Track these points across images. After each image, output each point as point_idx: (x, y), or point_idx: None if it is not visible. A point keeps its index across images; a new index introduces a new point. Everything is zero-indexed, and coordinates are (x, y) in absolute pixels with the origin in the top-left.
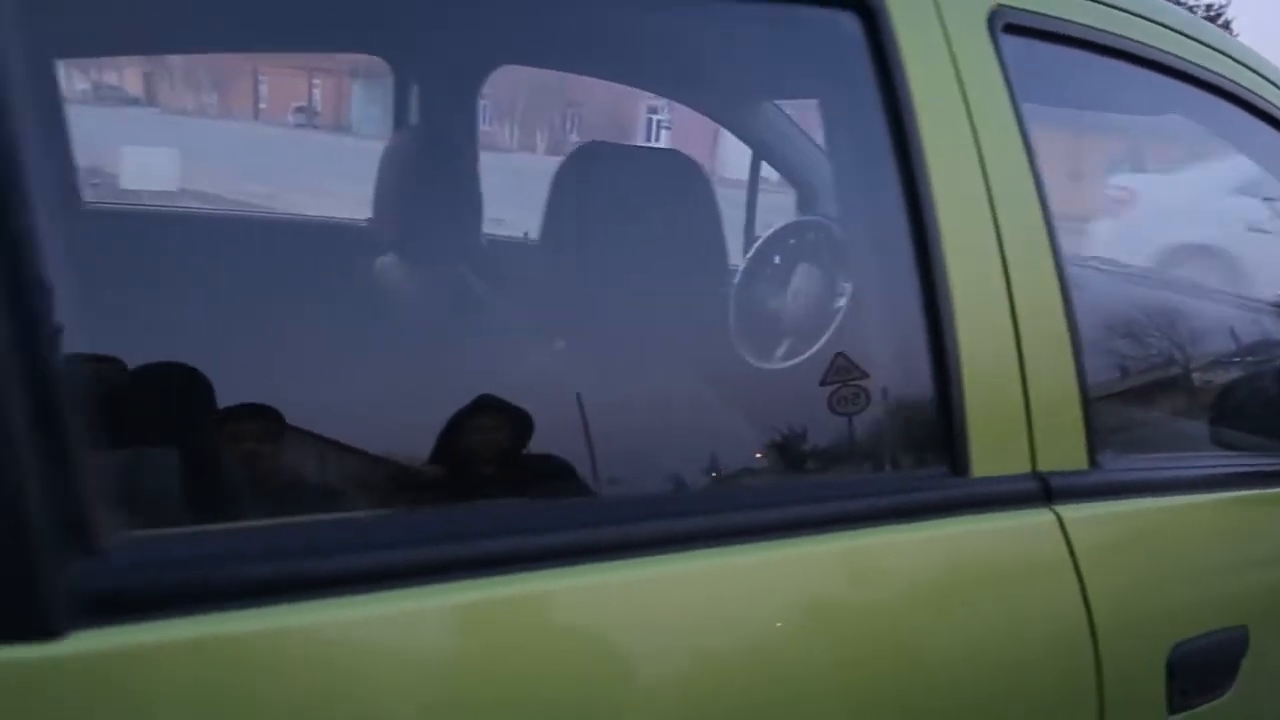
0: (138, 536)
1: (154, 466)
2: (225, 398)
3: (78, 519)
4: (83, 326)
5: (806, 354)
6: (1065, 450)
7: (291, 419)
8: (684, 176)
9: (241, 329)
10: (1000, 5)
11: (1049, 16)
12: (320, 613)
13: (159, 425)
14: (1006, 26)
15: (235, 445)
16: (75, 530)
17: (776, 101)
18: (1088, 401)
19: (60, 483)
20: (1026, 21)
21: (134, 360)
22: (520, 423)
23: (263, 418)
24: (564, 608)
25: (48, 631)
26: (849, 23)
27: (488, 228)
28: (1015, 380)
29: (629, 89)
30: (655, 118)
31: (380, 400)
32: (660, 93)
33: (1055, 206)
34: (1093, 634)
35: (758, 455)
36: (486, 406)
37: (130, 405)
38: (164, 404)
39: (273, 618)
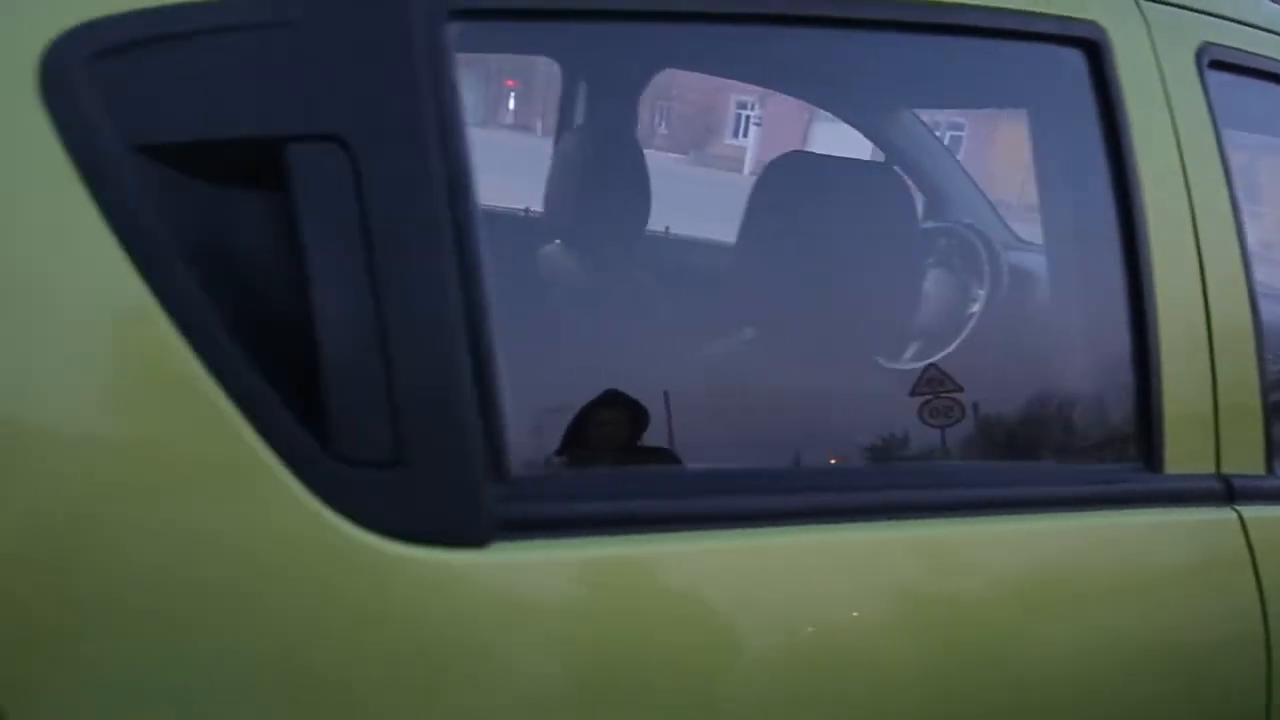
0: (539, 475)
1: (552, 423)
2: (594, 372)
3: (499, 460)
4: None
5: (1025, 355)
6: (1246, 455)
7: (642, 392)
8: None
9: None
10: (1206, 43)
11: (1249, 53)
12: (664, 544)
13: (553, 393)
14: (1212, 63)
15: (606, 409)
16: (497, 468)
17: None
18: (1268, 412)
19: (490, 433)
20: (1229, 58)
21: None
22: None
23: (625, 390)
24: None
25: (475, 543)
26: (1074, 58)
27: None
28: (1207, 387)
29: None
30: (745, 114)
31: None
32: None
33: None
34: (1266, 634)
35: (971, 436)
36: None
37: (532, 378)
38: (553, 377)
39: (639, 545)
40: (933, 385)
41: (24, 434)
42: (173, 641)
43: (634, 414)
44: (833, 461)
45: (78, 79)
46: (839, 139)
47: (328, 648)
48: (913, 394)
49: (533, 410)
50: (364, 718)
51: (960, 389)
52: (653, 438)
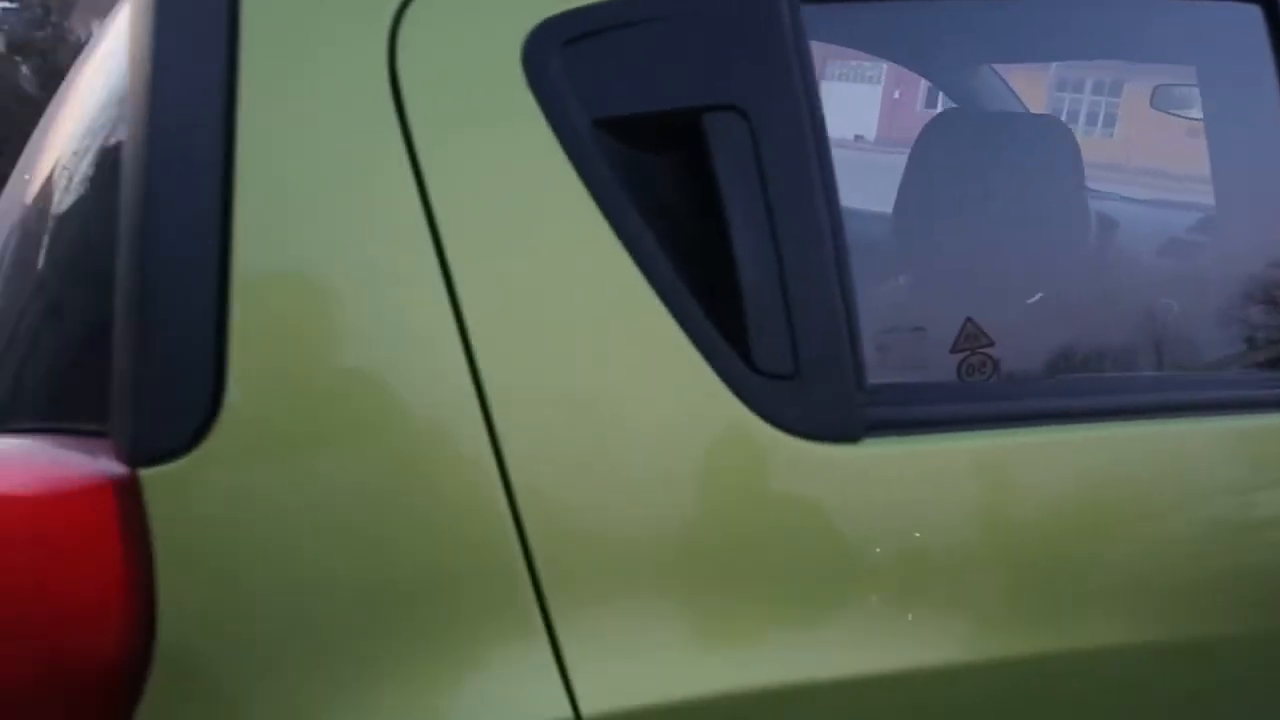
0: (891, 384)
1: (899, 342)
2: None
3: (862, 373)
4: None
5: None
6: None
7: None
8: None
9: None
10: None
11: None
12: (997, 439)
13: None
14: None
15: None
16: (860, 380)
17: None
18: None
19: (855, 352)
20: None
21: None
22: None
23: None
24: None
25: (851, 439)
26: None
27: None
28: None
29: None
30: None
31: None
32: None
33: None
34: None
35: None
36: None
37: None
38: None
39: (976, 439)
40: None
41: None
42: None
43: (968, 334)
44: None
45: (552, 62)
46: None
47: (754, 519)
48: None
49: (885, 332)
50: (776, 573)
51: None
52: (982, 351)
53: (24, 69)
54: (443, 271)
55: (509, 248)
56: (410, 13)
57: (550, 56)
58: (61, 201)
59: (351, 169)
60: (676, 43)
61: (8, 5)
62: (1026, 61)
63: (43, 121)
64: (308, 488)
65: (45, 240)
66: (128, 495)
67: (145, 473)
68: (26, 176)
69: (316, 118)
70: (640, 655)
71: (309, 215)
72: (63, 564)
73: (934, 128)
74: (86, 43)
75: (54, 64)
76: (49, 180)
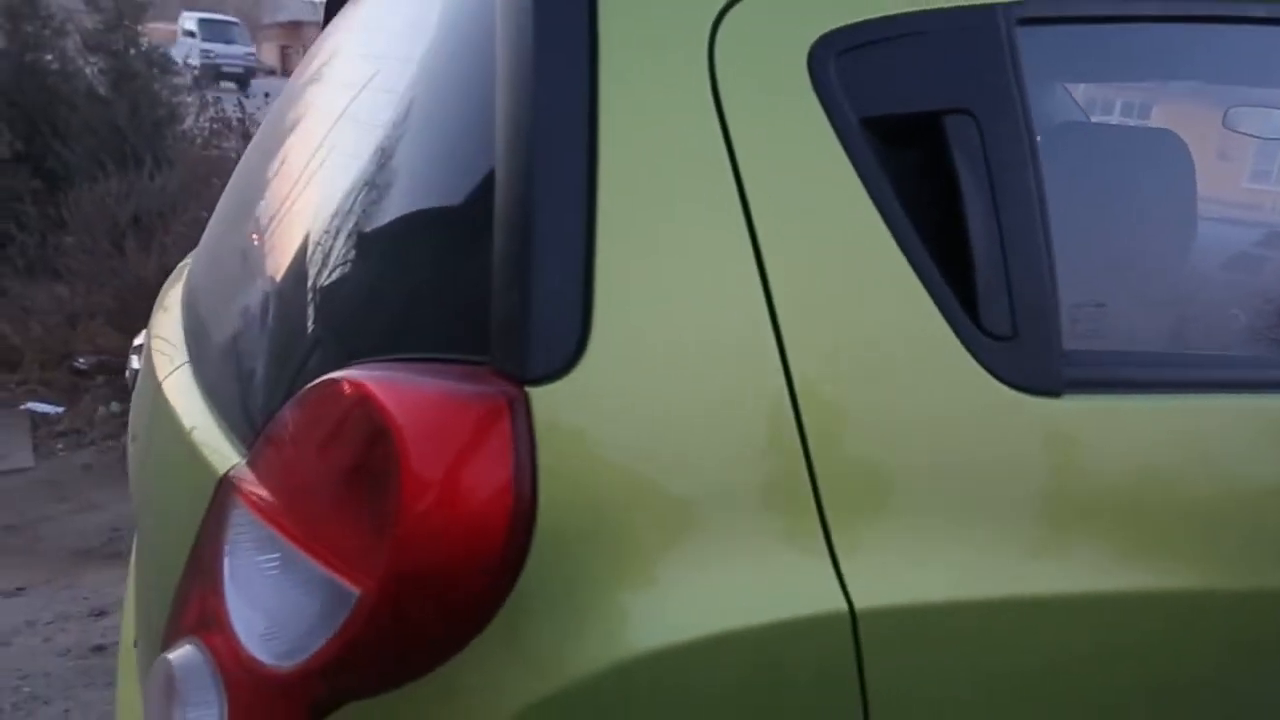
0: (1088, 348)
1: (1093, 312)
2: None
3: (1063, 337)
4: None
5: None
6: None
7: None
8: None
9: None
10: None
11: None
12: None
13: (1096, 289)
14: None
15: (1132, 301)
16: (1063, 343)
17: None
18: None
19: (1060, 321)
20: None
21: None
22: None
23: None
24: None
25: (1054, 394)
26: None
27: None
28: None
29: None
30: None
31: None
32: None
33: None
34: None
35: None
36: None
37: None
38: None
39: (1149, 400)
40: None
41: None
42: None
43: (1151, 304)
44: None
45: (830, 68)
46: None
47: (982, 453)
48: None
49: (1076, 305)
50: (998, 500)
51: None
52: (1166, 323)
53: (96, 70)
54: (752, 239)
55: (800, 218)
56: (724, 23)
57: (829, 63)
58: (431, 170)
59: (681, 146)
60: (922, 56)
61: (80, 8)
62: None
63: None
64: (658, 407)
65: (415, 201)
66: (520, 408)
67: (532, 390)
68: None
69: (655, 99)
70: (899, 561)
71: (652, 184)
72: (469, 462)
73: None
74: (150, 48)
75: (126, 66)
76: (397, 142)
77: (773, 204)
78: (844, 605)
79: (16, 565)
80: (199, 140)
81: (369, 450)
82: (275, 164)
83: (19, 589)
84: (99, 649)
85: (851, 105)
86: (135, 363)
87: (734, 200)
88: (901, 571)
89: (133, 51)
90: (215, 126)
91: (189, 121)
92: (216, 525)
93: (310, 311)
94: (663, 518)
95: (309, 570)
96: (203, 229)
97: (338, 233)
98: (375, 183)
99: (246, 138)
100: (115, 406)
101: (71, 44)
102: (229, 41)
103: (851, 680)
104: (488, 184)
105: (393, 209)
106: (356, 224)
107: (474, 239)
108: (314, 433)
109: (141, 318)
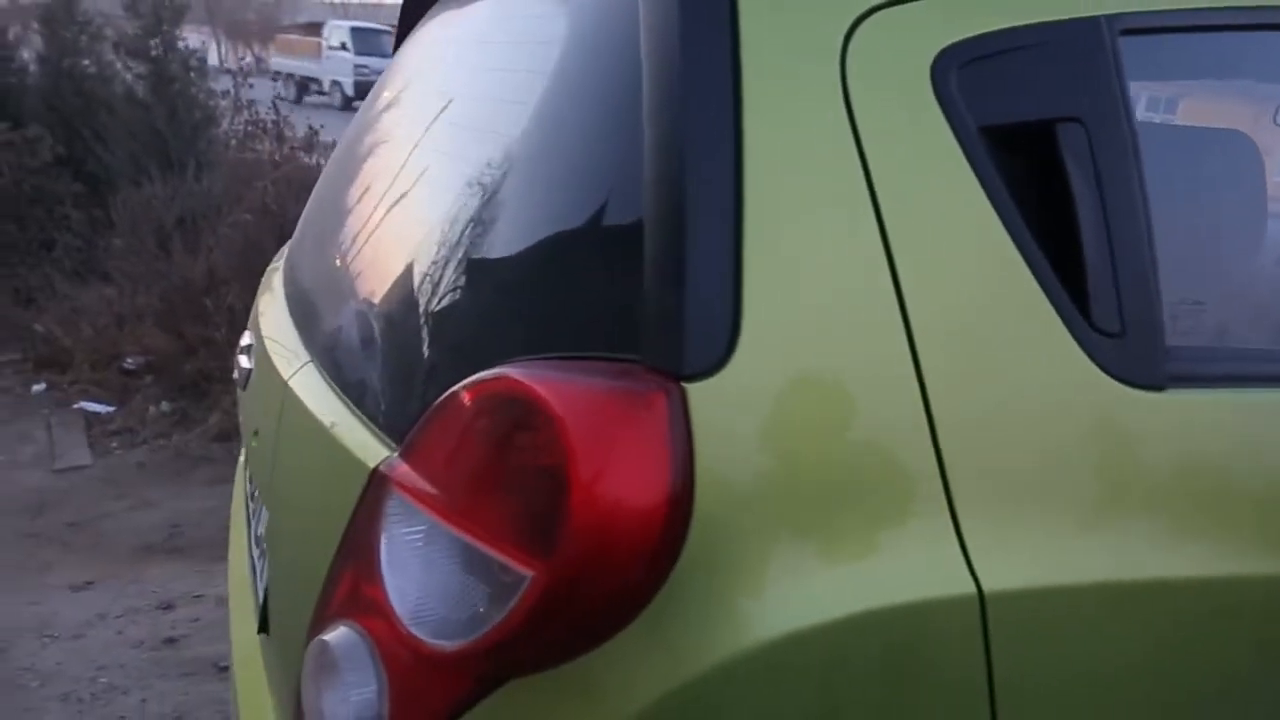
0: (1189, 345)
1: (1195, 310)
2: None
3: (1165, 334)
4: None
5: None
6: None
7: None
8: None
9: None
10: None
11: None
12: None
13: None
14: None
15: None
16: (1165, 340)
17: None
18: None
19: (1162, 319)
20: None
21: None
22: None
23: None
24: None
25: (1158, 388)
26: None
27: None
28: None
29: None
30: None
31: None
32: None
33: None
34: None
35: None
36: None
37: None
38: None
39: (1244, 394)
40: None
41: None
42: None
43: (1246, 300)
44: None
45: (951, 79)
46: None
47: (1094, 443)
48: None
49: (1182, 299)
50: (1111, 487)
51: None
52: (1262, 318)
53: (134, 74)
54: (883, 241)
55: (925, 221)
56: (855, 36)
57: (950, 74)
58: (575, 174)
59: (817, 150)
60: (1034, 67)
61: (118, 13)
62: None
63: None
64: (799, 401)
65: (560, 204)
66: (677, 402)
67: (688, 385)
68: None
69: (794, 105)
70: (1022, 547)
71: (792, 187)
72: (632, 454)
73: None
74: (189, 53)
75: (164, 70)
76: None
77: (901, 207)
78: (973, 588)
79: (83, 561)
80: (233, 143)
81: (532, 444)
82: (391, 168)
83: (87, 583)
84: (170, 641)
85: (971, 114)
86: (245, 362)
87: (866, 203)
88: (1024, 556)
89: (170, 55)
90: (250, 129)
91: (225, 125)
92: (370, 515)
93: (454, 313)
94: (803, 505)
95: (475, 556)
96: (246, 231)
97: (481, 236)
98: (518, 187)
99: (280, 140)
100: (165, 406)
101: (109, 48)
102: (383, 55)
103: (979, 662)
104: (633, 186)
105: (538, 212)
106: (500, 227)
107: (621, 240)
108: (475, 428)
109: (188, 319)
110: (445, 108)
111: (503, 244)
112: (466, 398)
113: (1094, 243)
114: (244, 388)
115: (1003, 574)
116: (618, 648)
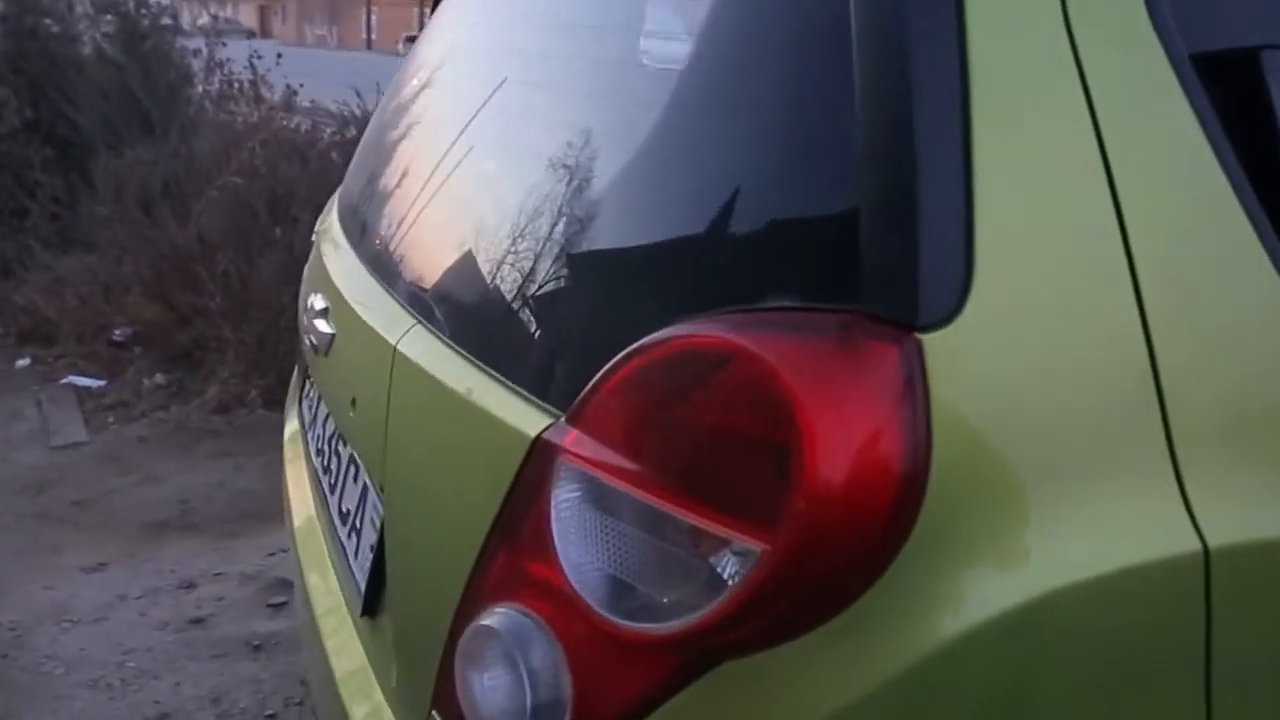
0: None
1: None
2: None
3: None
4: None
5: None
6: None
7: None
8: None
9: None
10: None
11: None
12: None
13: None
14: None
15: None
16: None
17: None
18: None
19: None
20: None
21: None
22: None
23: None
24: None
25: None
26: None
27: None
28: None
29: None
30: None
31: None
32: None
33: None
34: None
35: None
36: None
37: None
38: None
39: None
40: None
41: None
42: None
43: None
44: None
45: (1164, 6)
46: None
47: None
48: None
49: None
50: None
51: None
52: None
53: (102, 33)
54: (1109, 183)
55: (1148, 160)
56: None
57: (1164, 3)
58: (775, 112)
59: (1041, 84)
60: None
61: None
62: None
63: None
64: (1031, 353)
65: (761, 144)
66: (913, 355)
67: (923, 337)
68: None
69: (1016, 35)
70: (1247, 502)
71: (1018, 121)
72: (867, 413)
73: None
74: (161, 9)
75: (135, 28)
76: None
77: (1123, 142)
78: (1198, 544)
79: (93, 540)
80: (208, 105)
81: (751, 406)
82: (513, 112)
83: (101, 564)
84: (198, 621)
85: (1185, 40)
86: (324, 326)
87: (1091, 139)
88: (1249, 511)
89: (142, 11)
90: (225, 90)
91: (200, 86)
92: (536, 488)
93: (621, 266)
94: (1035, 461)
95: (684, 530)
96: (236, 195)
97: (650, 181)
98: (700, 124)
99: (259, 101)
100: (160, 378)
101: (79, 6)
102: None
103: (1199, 617)
104: (844, 120)
105: (737, 153)
106: (672, 171)
107: (830, 180)
108: (676, 390)
109: (178, 288)
110: (585, 38)
111: (676, 188)
112: (663, 358)
113: None
114: (325, 353)
115: (1227, 528)
116: (845, 623)
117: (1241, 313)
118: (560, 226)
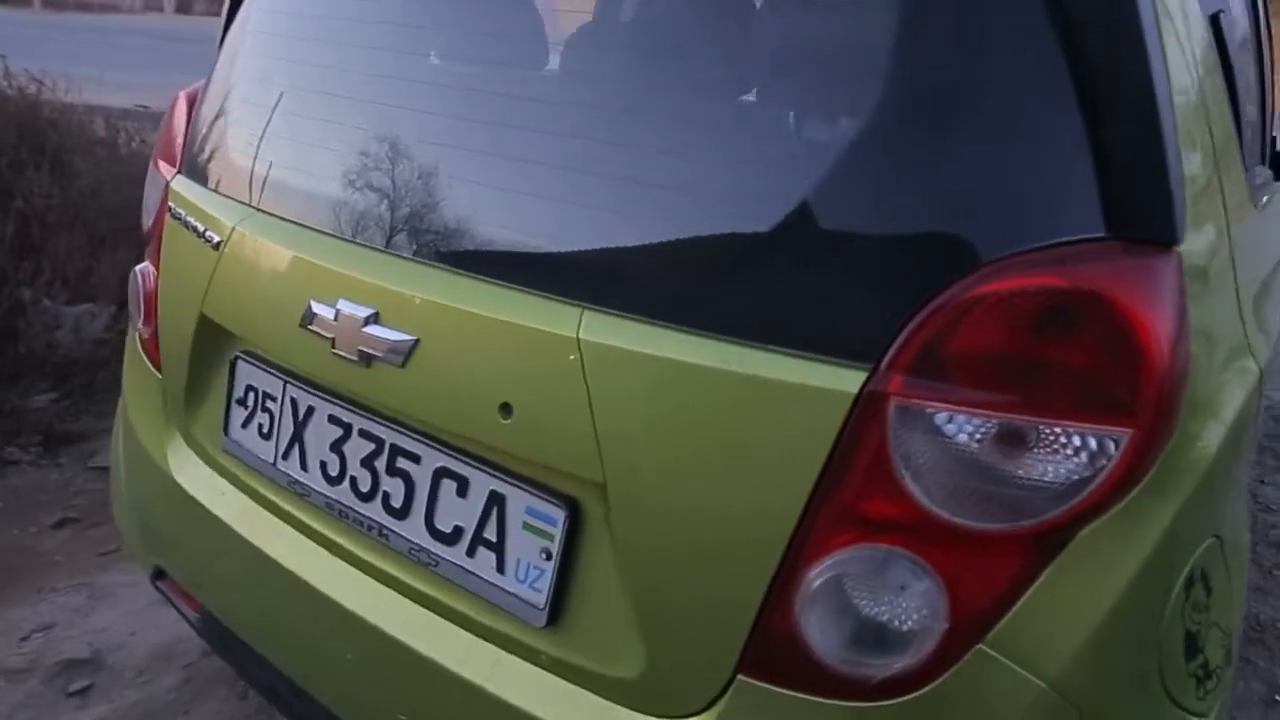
0: None
1: None
2: None
3: None
4: None
5: None
6: None
7: None
8: None
9: None
10: None
11: None
12: None
13: None
14: None
15: None
16: None
17: None
18: None
19: None
20: None
21: None
22: None
23: None
24: None
25: None
26: None
27: None
28: None
29: None
30: None
31: None
32: None
33: None
34: None
35: None
36: None
37: None
38: None
39: None
40: None
41: None
42: None
43: None
44: None
45: None
46: None
47: None
48: None
49: None
50: None
51: None
52: None
53: None
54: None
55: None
56: None
57: None
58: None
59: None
60: None
61: None
62: None
63: None
64: (1221, 257)
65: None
66: (1178, 266)
67: (1180, 250)
68: None
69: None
70: None
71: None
72: (1170, 313)
73: None
74: None
75: None
76: None
77: None
78: None
79: None
80: None
81: (1097, 330)
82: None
83: None
84: None
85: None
86: (386, 333)
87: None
88: None
89: None
90: None
91: None
92: (868, 436)
93: (920, 220)
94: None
95: (1044, 437)
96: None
97: (941, 144)
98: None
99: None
100: None
101: None
102: None
103: None
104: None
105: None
106: (973, 127)
107: (1107, 138)
108: (1023, 326)
109: None
110: None
111: (956, 145)
112: (998, 299)
113: None
114: (403, 364)
115: None
116: (1154, 481)
117: None
118: (834, 177)
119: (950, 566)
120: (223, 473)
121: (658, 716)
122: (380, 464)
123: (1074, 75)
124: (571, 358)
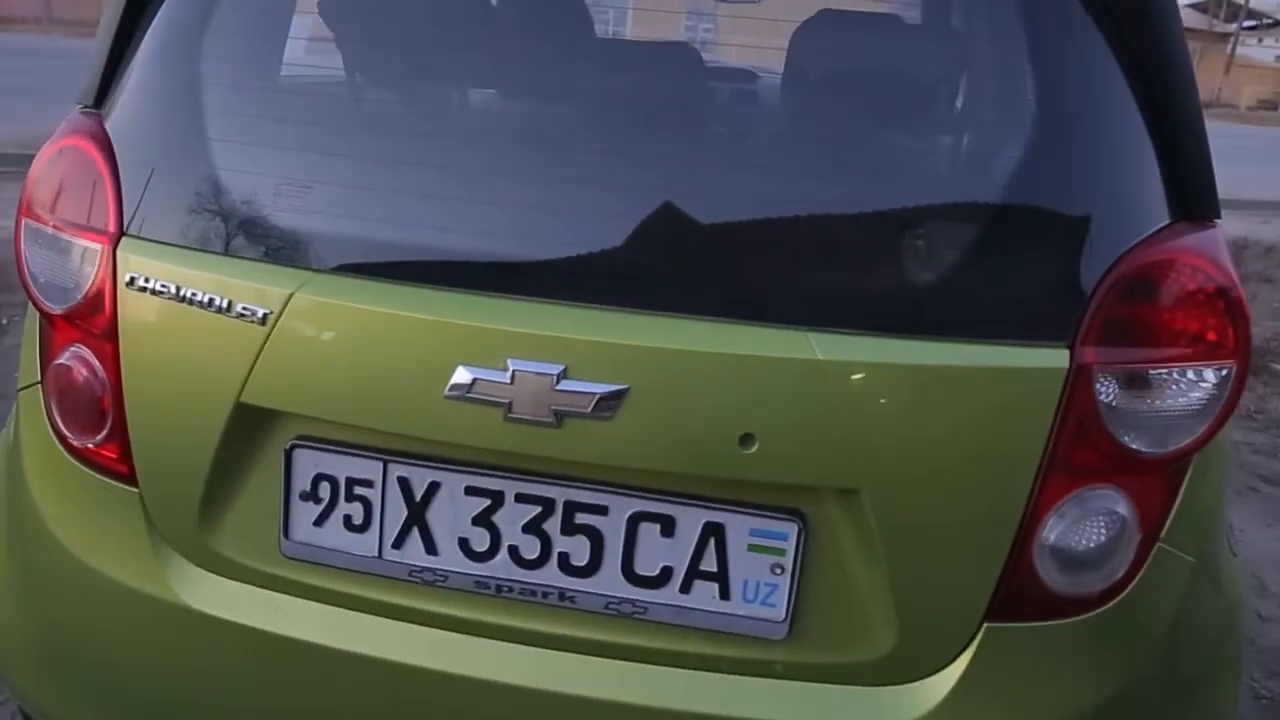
0: None
1: None
2: None
3: None
4: None
5: None
6: None
7: None
8: None
9: None
10: None
11: None
12: None
13: None
14: None
15: None
16: None
17: None
18: None
19: None
20: None
21: None
22: None
23: None
24: None
25: None
26: None
27: None
28: None
29: None
30: None
31: None
32: None
33: None
34: None
35: None
36: None
37: None
38: None
39: None
40: None
41: None
42: None
43: None
44: None
45: None
46: None
47: None
48: None
49: None
50: None
51: None
52: None
53: None
54: None
55: None
56: None
57: None
58: None
59: None
60: None
61: None
62: None
63: None
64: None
65: None
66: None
67: (1218, 223)
68: None
69: None
70: None
71: None
72: (1233, 274)
73: None
74: None
75: None
76: None
77: None
78: None
79: None
80: None
81: (1212, 288)
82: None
83: None
84: None
85: None
86: (585, 387)
87: None
88: None
89: None
90: None
91: None
92: (1078, 403)
93: (1079, 228)
94: None
95: (1186, 379)
96: None
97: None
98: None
99: None
100: None
101: None
102: None
103: None
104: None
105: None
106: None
107: (1169, 144)
108: (1166, 294)
109: None
110: None
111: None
112: (1151, 273)
113: None
114: (611, 416)
115: None
116: None
117: None
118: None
119: (1139, 489)
120: (277, 585)
121: (902, 683)
122: (551, 525)
123: (1149, 102)
124: (818, 379)
